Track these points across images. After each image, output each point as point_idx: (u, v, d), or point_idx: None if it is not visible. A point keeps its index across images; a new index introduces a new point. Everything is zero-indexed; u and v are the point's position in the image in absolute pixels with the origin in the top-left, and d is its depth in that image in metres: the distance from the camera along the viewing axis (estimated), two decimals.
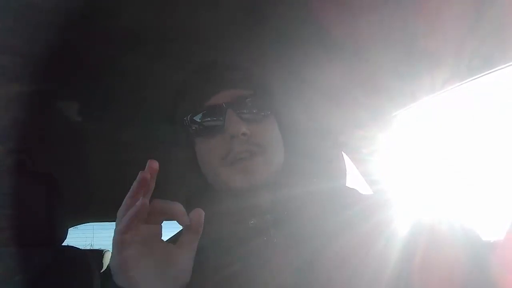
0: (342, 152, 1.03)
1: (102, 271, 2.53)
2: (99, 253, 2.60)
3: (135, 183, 0.44)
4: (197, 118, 0.61)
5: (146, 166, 0.45)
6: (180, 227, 0.52)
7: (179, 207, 0.47)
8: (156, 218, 0.48)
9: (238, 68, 0.66)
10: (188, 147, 0.64)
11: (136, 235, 0.45)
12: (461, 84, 0.88)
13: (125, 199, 0.45)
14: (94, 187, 1.78)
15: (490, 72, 0.82)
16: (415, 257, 0.52)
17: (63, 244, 1.10)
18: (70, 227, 2.21)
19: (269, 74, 0.68)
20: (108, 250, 2.77)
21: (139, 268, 0.45)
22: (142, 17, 0.74)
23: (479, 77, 0.84)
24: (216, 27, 0.79)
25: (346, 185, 0.75)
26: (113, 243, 0.45)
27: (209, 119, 0.61)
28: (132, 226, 0.44)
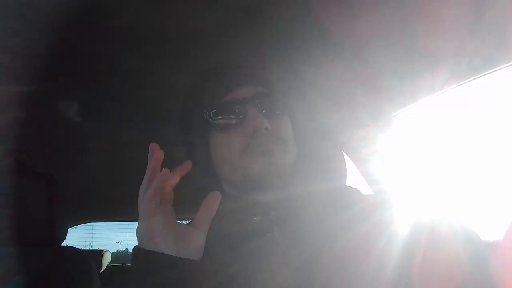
0: (343, 152, 1.03)
1: (101, 271, 2.53)
2: (99, 253, 2.61)
3: (152, 160, 0.51)
4: (217, 112, 0.62)
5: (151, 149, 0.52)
6: None
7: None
8: (167, 197, 0.52)
9: (254, 67, 0.67)
10: (199, 143, 0.65)
11: (158, 206, 0.50)
12: (461, 84, 0.88)
13: (146, 175, 0.51)
14: (94, 187, 1.78)
15: (490, 72, 0.82)
16: (415, 257, 0.52)
17: (62, 244, 1.10)
18: (70, 227, 2.22)
19: (269, 74, 0.69)
20: (108, 250, 2.77)
21: (163, 235, 0.49)
22: (142, 17, 0.74)
23: (479, 77, 0.84)
24: (216, 27, 0.79)
25: (347, 185, 0.75)
26: (140, 211, 0.50)
27: (229, 113, 0.61)
28: (157, 194, 0.49)
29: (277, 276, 0.54)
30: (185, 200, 0.62)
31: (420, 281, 0.51)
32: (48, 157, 1.36)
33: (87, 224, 2.61)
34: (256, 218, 0.60)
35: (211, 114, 0.62)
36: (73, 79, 0.93)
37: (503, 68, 0.79)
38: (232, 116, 0.61)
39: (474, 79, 0.85)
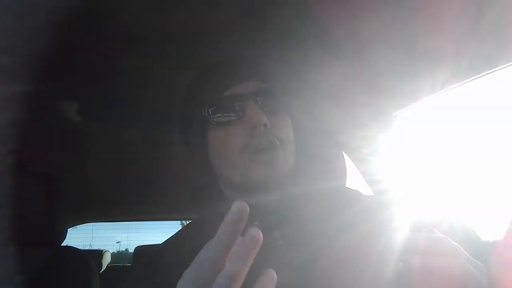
0: (343, 152, 1.03)
1: (101, 271, 2.53)
2: (99, 253, 2.61)
3: (233, 214, 0.34)
4: (216, 108, 0.60)
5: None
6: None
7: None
8: None
9: (256, 62, 0.66)
10: (198, 142, 0.63)
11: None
12: (461, 84, 0.88)
13: (221, 232, 0.35)
14: (94, 187, 1.79)
15: (490, 72, 0.82)
16: (415, 257, 0.52)
17: (62, 244, 1.10)
18: (70, 227, 2.22)
19: (272, 71, 0.68)
20: (108, 250, 2.77)
21: None
22: (142, 17, 0.74)
23: (479, 77, 0.84)
24: (216, 27, 0.79)
25: (347, 185, 0.75)
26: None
27: (228, 110, 0.60)
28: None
29: (277, 276, 0.54)
30: (185, 200, 0.62)
31: (420, 281, 0.51)
32: (48, 157, 1.36)
33: (87, 224, 2.61)
34: (256, 223, 0.59)
35: (210, 111, 0.60)
36: (73, 79, 0.93)
37: (503, 68, 0.79)
38: (231, 113, 0.59)
39: (474, 79, 0.85)
